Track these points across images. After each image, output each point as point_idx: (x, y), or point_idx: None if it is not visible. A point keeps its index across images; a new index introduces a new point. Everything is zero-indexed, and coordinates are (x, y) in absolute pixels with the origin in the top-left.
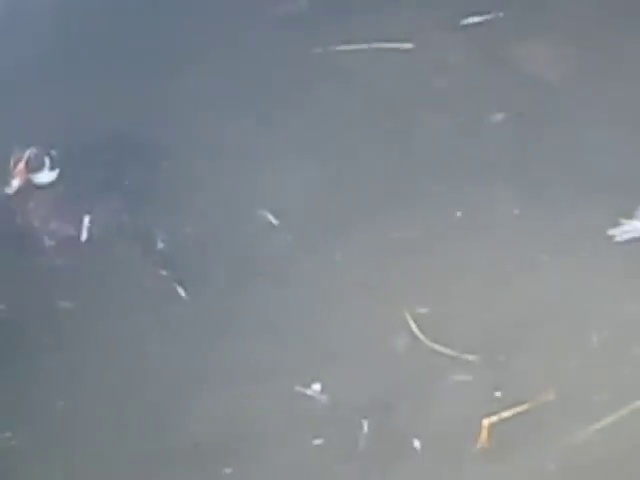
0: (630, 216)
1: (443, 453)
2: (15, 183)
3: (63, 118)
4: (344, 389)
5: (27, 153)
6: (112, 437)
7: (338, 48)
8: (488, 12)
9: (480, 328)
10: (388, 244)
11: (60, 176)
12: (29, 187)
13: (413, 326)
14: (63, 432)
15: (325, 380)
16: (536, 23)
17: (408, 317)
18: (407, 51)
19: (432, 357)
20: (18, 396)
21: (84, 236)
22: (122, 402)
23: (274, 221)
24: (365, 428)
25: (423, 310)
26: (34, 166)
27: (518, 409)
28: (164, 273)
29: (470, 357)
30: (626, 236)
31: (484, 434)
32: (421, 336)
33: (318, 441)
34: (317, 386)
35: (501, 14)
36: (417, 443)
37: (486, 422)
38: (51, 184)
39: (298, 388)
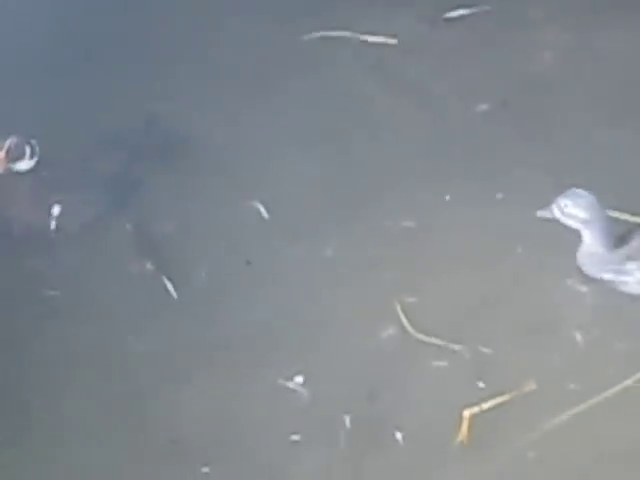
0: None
1: (425, 445)
2: None
3: (44, 109)
4: (328, 381)
5: (8, 142)
6: (89, 432)
7: (323, 34)
8: (475, 4)
9: (466, 318)
10: (379, 233)
11: (38, 164)
12: (9, 175)
13: (402, 316)
14: (41, 427)
15: (309, 372)
16: (521, 15)
17: (397, 306)
18: (393, 46)
19: (418, 347)
20: None
21: (52, 225)
22: (100, 397)
23: (265, 214)
24: (347, 422)
25: (411, 299)
26: (14, 155)
27: (499, 400)
28: (149, 266)
29: (456, 347)
30: None
31: (465, 425)
32: (408, 326)
33: (296, 437)
34: (300, 379)
35: (487, 7)
36: (399, 435)
37: (467, 413)
38: (29, 171)
39: (281, 381)
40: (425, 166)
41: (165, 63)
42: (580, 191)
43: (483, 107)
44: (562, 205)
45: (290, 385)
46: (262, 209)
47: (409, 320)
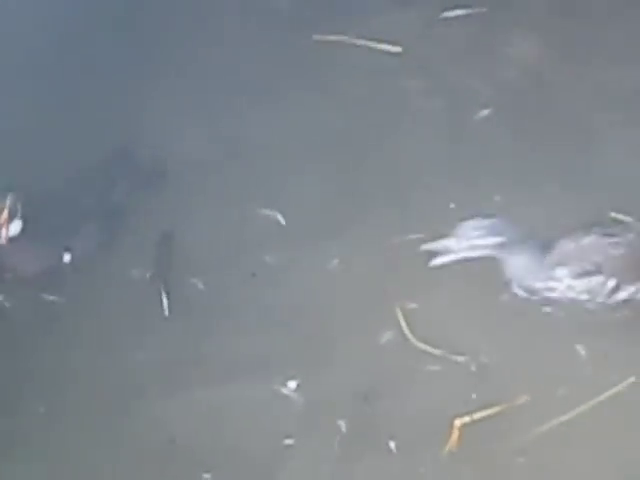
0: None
1: (418, 453)
2: (4, 233)
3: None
4: (323, 387)
5: (7, 201)
6: (90, 436)
7: (321, 38)
8: (470, 6)
9: (467, 328)
10: (385, 242)
11: (26, 222)
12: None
13: (402, 322)
14: (41, 429)
15: (303, 378)
16: (520, 15)
17: (398, 313)
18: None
19: (415, 354)
20: None
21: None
22: (99, 401)
23: (282, 221)
24: (342, 427)
25: (411, 306)
26: (13, 213)
27: (490, 411)
28: (148, 276)
29: (454, 357)
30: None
31: (455, 434)
32: (408, 333)
33: (290, 441)
34: (293, 384)
35: (484, 9)
36: (392, 444)
37: (458, 422)
38: (22, 231)
39: (276, 386)
40: (429, 172)
41: (147, 81)
42: (480, 219)
43: (484, 110)
44: (470, 237)
45: (284, 390)
46: (279, 216)
47: (409, 327)
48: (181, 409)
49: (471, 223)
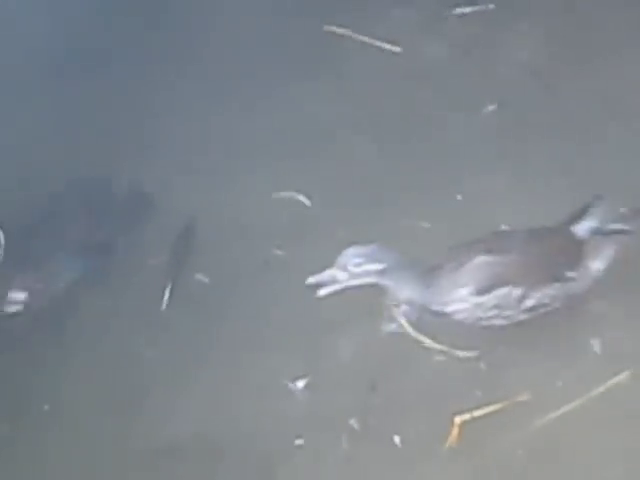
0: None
1: (424, 449)
2: None
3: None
4: (331, 385)
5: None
6: (94, 437)
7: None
8: (477, 3)
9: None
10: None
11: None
12: None
13: (403, 321)
14: (41, 428)
15: (311, 376)
16: (525, 13)
17: (401, 310)
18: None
19: (420, 351)
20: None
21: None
22: (104, 401)
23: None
24: (351, 424)
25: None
26: None
27: (491, 408)
28: (155, 263)
29: (461, 354)
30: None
31: (455, 431)
32: (411, 330)
33: (299, 440)
34: (301, 383)
35: (491, 5)
36: (397, 439)
37: (458, 419)
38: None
39: (283, 385)
40: (435, 165)
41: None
42: (359, 247)
43: (490, 108)
44: (351, 266)
45: (292, 389)
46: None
47: (411, 324)
48: (186, 408)
49: (350, 251)
